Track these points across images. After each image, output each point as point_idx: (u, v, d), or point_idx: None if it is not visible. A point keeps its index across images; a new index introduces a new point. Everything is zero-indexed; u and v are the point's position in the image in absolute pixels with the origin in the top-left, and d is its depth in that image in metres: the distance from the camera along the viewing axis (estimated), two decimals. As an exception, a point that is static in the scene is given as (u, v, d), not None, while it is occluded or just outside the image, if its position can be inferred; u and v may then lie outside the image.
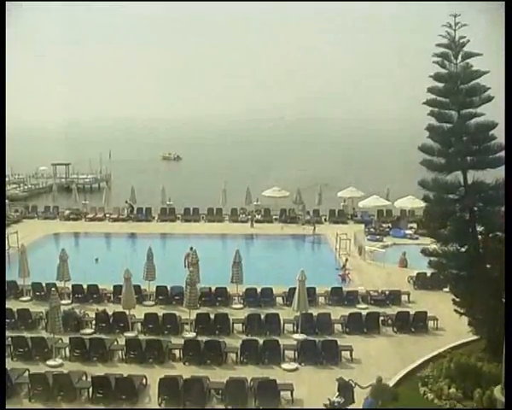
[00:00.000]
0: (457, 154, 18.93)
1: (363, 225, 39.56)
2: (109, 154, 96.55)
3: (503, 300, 14.41)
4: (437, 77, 19.40)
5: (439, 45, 19.41)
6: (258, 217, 41.93)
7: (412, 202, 38.38)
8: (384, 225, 39.14)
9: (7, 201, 43.86)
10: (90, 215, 42.54)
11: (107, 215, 42.64)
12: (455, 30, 19.28)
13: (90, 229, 39.62)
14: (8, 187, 79.58)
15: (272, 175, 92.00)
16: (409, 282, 27.88)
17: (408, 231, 37.87)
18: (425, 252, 19.82)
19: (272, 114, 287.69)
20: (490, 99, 19.04)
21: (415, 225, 38.43)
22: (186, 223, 41.80)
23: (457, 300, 19.39)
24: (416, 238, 35.46)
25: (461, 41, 19.26)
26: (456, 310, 19.29)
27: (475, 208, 18.78)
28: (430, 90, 19.51)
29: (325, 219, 42.27)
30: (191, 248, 27.08)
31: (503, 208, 18.41)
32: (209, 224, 41.68)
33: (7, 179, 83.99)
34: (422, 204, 34.80)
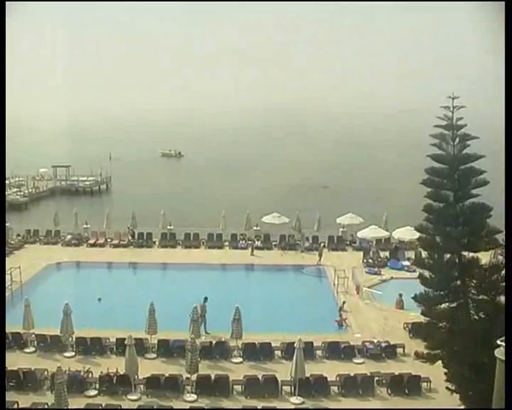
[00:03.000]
0: (451, 235, 19.43)
1: (361, 253, 40.15)
2: (110, 156, 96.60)
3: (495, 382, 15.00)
4: (434, 158, 19.86)
5: (437, 126, 19.85)
6: (258, 243, 42.42)
7: (410, 233, 38.75)
8: (382, 256, 39.69)
9: (8, 224, 44.17)
10: (91, 241, 42.96)
11: (108, 240, 43.09)
12: (452, 111, 19.68)
13: (92, 257, 39.98)
14: (8, 191, 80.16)
15: (272, 176, 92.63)
16: (405, 329, 28.48)
17: (405, 263, 38.44)
18: (418, 329, 20.46)
19: (272, 110, 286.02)
20: (486, 183, 19.49)
21: (412, 254, 39.20)
22: (186, 249, 42.27)
23: (449, 373, 20.01)
24: (414, 271, 36.04)
25: (458, 123, 19.68)
26: (447, 387, 19.88)
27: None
28: (427, 171, 19.96)
29: (324, 246, 42.70)
30: (205, 300, 27.69)
31: (496, 291, 19.16)
32: (209, 250, 42.14)
33: (7, 183, 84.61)
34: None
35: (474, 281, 19.30)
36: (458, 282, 19.51)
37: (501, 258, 19.38)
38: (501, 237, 19.56)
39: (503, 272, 19.10)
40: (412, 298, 20.75)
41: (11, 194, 78.88)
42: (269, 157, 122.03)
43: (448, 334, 19.42)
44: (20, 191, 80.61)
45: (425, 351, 20.13)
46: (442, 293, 19.62)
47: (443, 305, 19.78)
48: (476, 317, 19.30)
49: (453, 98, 19.52)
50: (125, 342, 22.32)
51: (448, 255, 19.62)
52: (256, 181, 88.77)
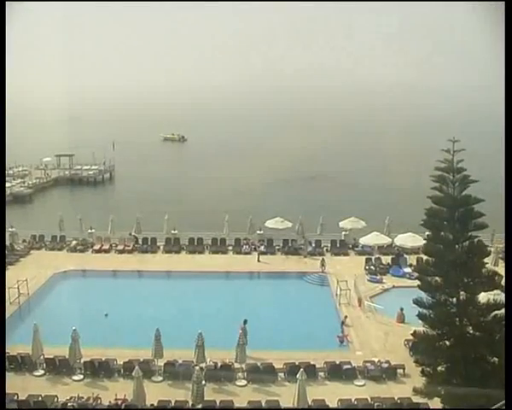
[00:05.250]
0: (450, 277, 19.83)
1: (363, 258, 40.65)
2: (113, 145, 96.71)
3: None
4: (435, 200, 20.14)
5: (437, 169, 20.09)
6: (262, 248, 42.81)
7: (412, 240, 39.36)
8: (384, 262, 40.13)
9: (13, 229, 44.75)
10: (96, 247, 43.40)
11: (113, 245, 43.57)
12: (453, 155, 19.89)
13: (98, 264, 40.40)
14: (12, 182, 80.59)
15: (273, 166, 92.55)
16: (405, 346, 29.03)
17: (407, 270, 38.89)
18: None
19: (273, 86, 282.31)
20: (484, 226, 19.79)
21: (414, 259, 39.80)
22: (191, 255, 42.77)
23: None
24: (415, 278, 36.65)
25: (458, 166, 19.91)
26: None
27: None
28: (428, 212, 20.27)
29: (327, 250, 43.25)
30: (245, 322, 28.73)
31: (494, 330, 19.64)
32: (213, 256, 42.62)
33: (11, 172, 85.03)
34: (422, 242, 36.00)
35: (472, 320, 19.81)
36: (456, 321, 20.01)
37: (498, 298, 19.86)
38: (500, 279, 20.08)
39: (500, 311, 19.66)
40: (411, 334, 21.31)
41: (15, 185, 79.25)
42: (271, 140, 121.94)
43: (446, 372, 19.99)
44: (24, 182, 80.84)
45: (423, 387, 20.72)
46: (440, 332, 20.16)
47: (442, 343, 20.34)
48: (474, 356, 19.82)
49: (454, 142, 19.74)
50: (133, 374, 22.97)
51: (447, 295, 20.09)
52: (259, 170, 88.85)
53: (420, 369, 21.44)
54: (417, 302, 20.53)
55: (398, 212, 51.98)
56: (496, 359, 19.34)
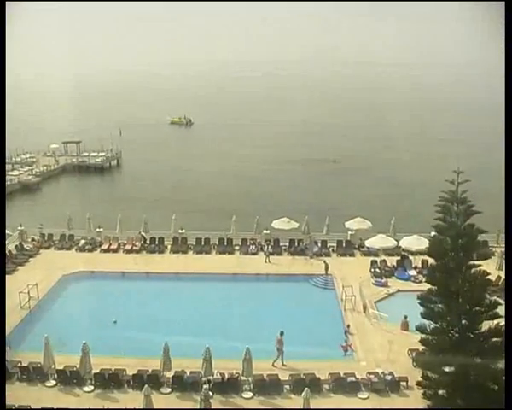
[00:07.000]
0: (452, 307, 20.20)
1: (369, 259, 41.03)
2: (120, 132, 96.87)
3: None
4: (438, 229, 20.38)
5: (441, 199, 20.29)
6: (268, 247, 43.14)
7: (418, 243, 39.60)
8: (389, 264, 40.46)
9: (22, 228, 45.37)
10: (104, 246, 43.92)
11: (121, 245, 44.09)
12: (457, 186, 20.05)
13: (106, 265, 40.81)
14: (20, 170, 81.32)
15: (279, 152, 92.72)
16: (408, 356, 29.48)
17: (412, 272, 39.26)
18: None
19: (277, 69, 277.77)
20: (487, 257, 20.06)
21: (419, 260, 40.18)
22: (198, 255, 43.21)
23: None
24: (420, 281, 37.22)
25: (462, 196, 20.09)
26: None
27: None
28: (431, 240, 20.56)
29: (333, 250, 43.64)
30: (282, 334, 29.17)
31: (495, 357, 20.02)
32: (221, 256, 43.06)
33: (19, 160, 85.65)
34: (427, 245, 36.23)
35: (473, 348, 20.21)
36: (458, 348, 20.40)
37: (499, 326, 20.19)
38: (501, 309, 20.40)
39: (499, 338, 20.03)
40: (413, 362, 21.74)
41: (23, 173, 79.85)
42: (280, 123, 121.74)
43: (448, 396, 20.48)
44: (32, 170, 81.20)
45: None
46: (441, 357, 20.59)
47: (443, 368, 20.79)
48: (475, 381, 20.26)
49: (458, 173, 19.89)
50: (142, 391, 23.65)
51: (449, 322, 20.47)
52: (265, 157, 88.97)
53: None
54: (420, 329, 20.91)
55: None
56: (496, 386, 19.75)
